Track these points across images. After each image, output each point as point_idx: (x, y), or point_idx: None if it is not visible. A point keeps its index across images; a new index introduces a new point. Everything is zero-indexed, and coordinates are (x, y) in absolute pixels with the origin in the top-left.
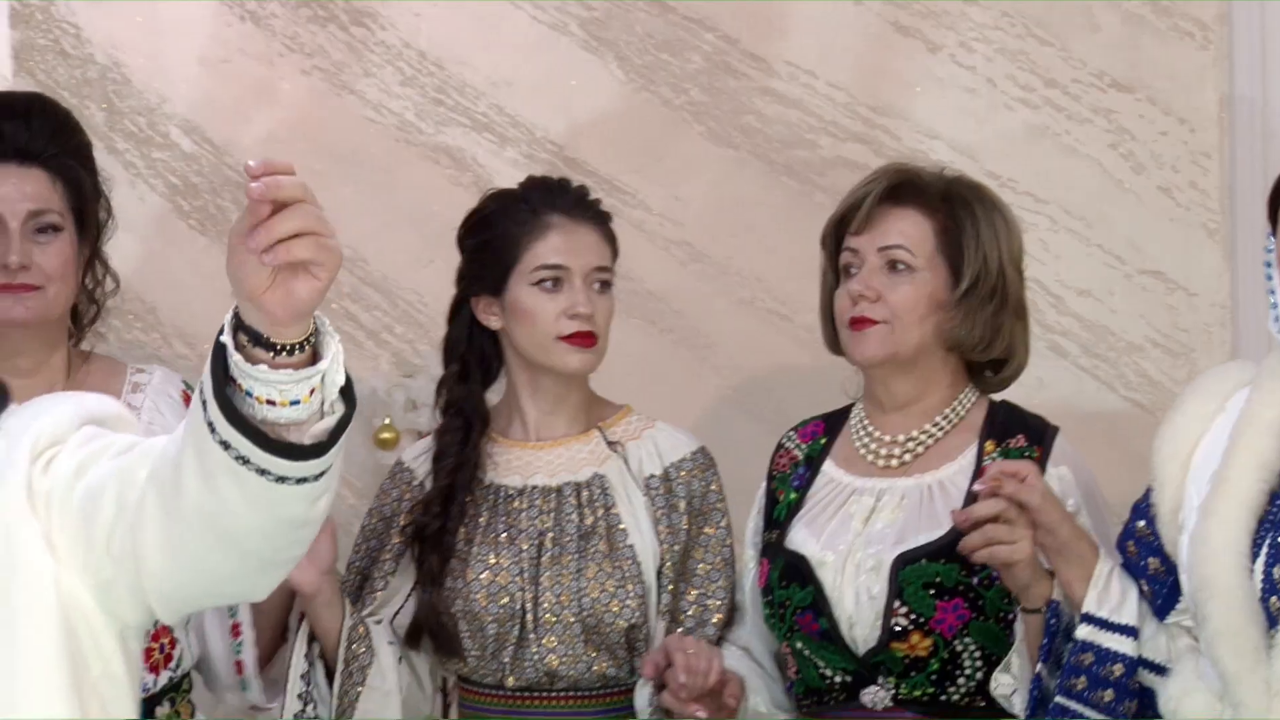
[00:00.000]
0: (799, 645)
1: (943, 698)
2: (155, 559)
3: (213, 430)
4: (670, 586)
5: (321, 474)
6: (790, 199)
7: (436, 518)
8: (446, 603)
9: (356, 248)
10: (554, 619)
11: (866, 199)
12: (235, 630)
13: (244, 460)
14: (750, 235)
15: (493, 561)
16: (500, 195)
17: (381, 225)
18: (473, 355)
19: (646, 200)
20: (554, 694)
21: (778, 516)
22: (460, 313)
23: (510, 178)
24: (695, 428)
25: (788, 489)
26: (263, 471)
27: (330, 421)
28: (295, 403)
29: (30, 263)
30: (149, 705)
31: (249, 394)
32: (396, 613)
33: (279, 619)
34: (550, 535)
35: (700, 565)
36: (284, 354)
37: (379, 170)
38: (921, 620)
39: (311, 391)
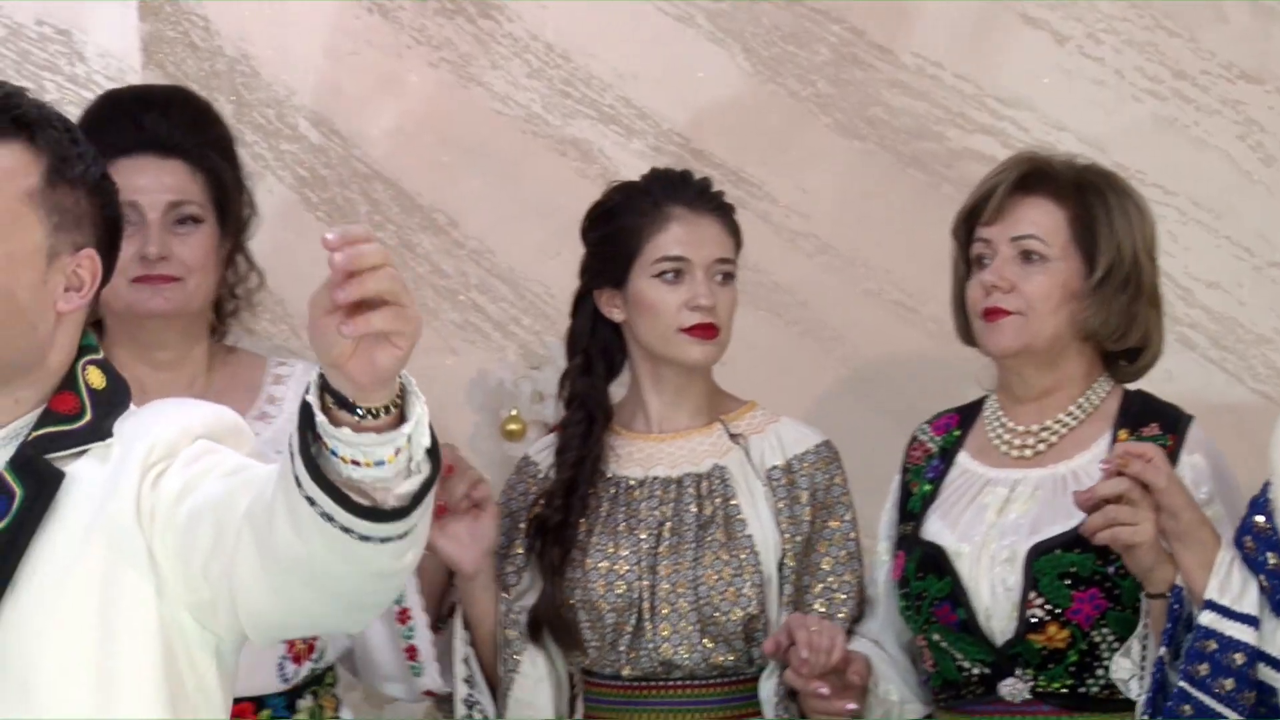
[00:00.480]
0: (936, 637)
1: (1081, 690)
2: (250, 592)
3: (299, 484)
4: (793, 579)
5: (406, 533)
6: (918, 190)
7: (558, 510)
8: (566, 594)
9: (483, 239)
10: (669, 608)
11: (998, 189)
12: (403, 616)
13: (328, 518)
14: (877, 227)
15: (611, 551)
16: (623, 188)
17: (508, 217)
18: (596, 348)
19: (773, 192)
20: (670, 683)
21: (912, 509)
22: (583, 305)
23: (637, 170)
24: (820, 419)
25: (921, 481)
26: (346, 530)
27: (415, 483)
28: (380, 463)
29: (169, 254)
30: (290, 697)
31: (334, 453)
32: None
33: (438, 602)
34: (668, 525)
35: (825, 559)
36: (369, 417)
37: (506, 162)
38: (1058, 611)
39: (397, 451)
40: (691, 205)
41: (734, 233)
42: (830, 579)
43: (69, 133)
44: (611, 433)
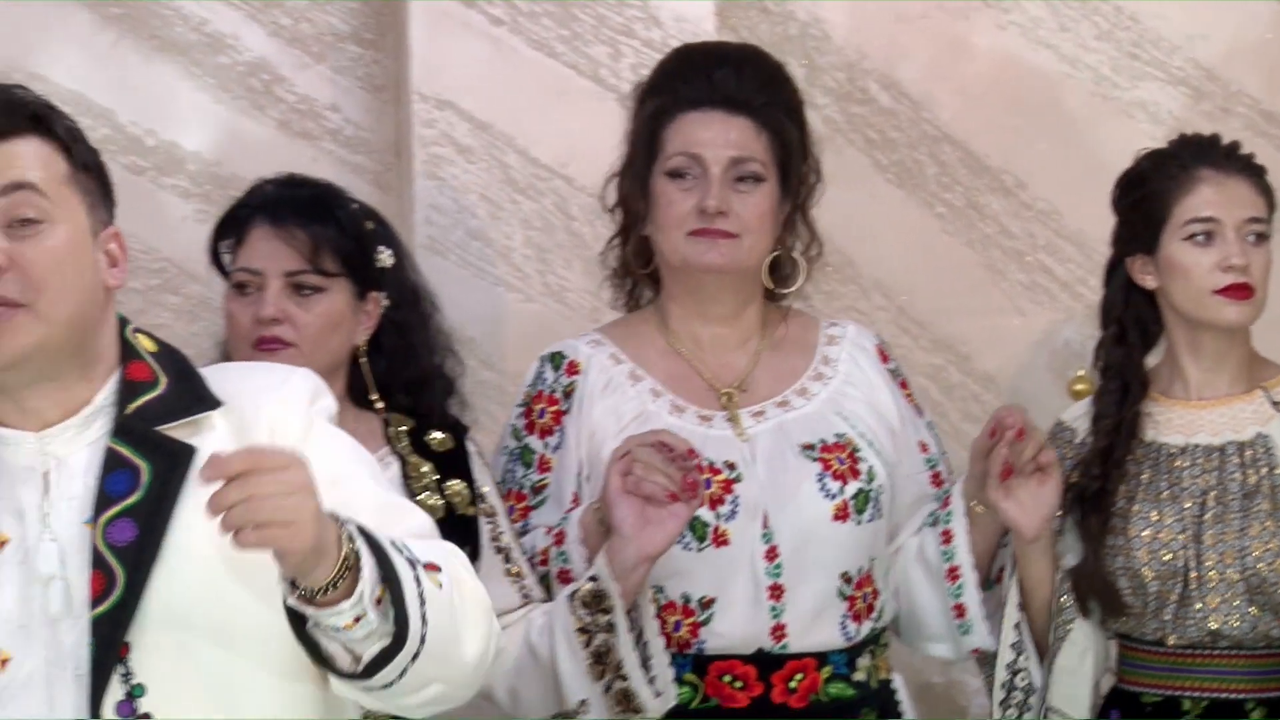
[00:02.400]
0: None
1: None
2: None
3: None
4: None
5: (390, 684)
6: None
7: (1095, 479)
8: (1107, 561)
9: (1051, 201)
10: (1217, 578)
11: None
12: (952, 574)
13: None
14: None
15: (1154, 519)
16: (1151, 154)
17: (1076, 179)
18: (1130, 317)
19: None
20: (1217, 652)
21: None
22: (1115, 275)
23: (1201, 131)
24: None
25: None
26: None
27: (375, 649)
28: (338, 629)
29: (728, 209)
30: (850, 655)
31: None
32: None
33: (989, 562)
34: (1213, 494)
35: None
36: (323, 593)
37: (1074, 125)
38: None
39: (356, 619)
40: (1220, 166)
41: (1265, 193)
42: None
43: (71, 121)
44: (1149, 399)
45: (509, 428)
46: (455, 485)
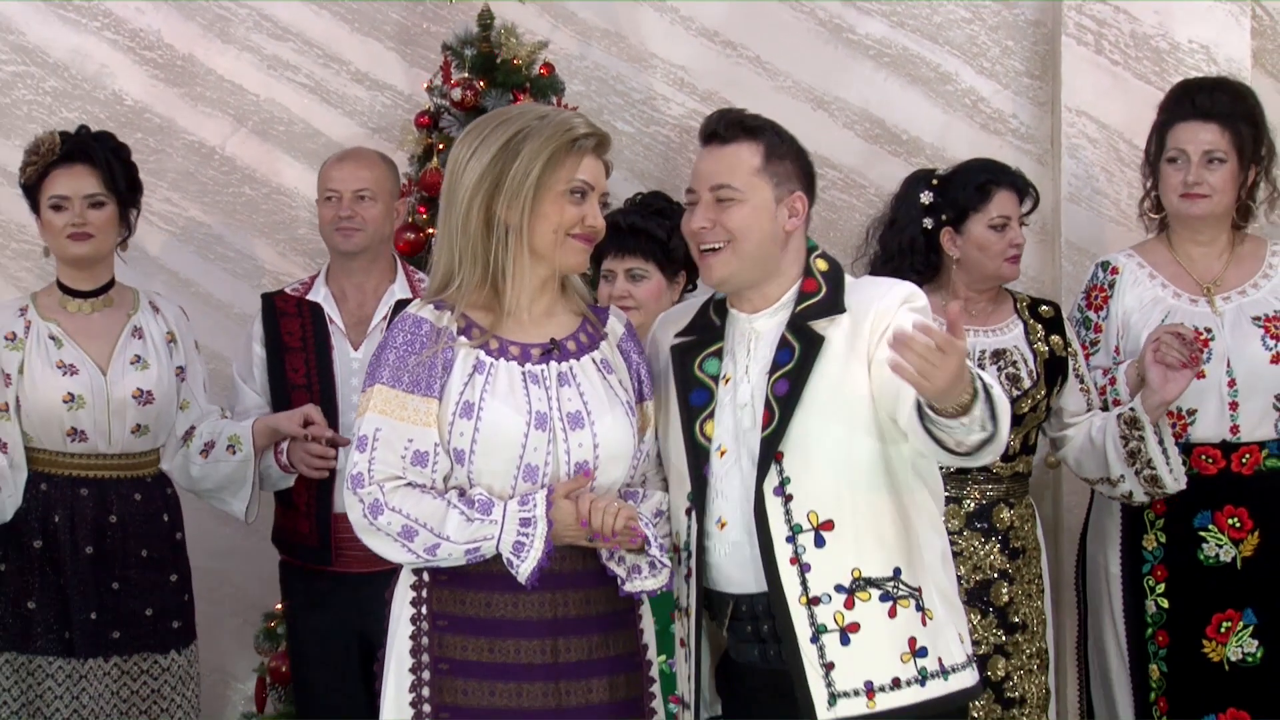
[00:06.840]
0: None
1: None
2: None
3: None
4: None
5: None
6: None
7: None
8: None
9: None
10: None
11: None
12: None
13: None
14: None
15: None
16: None
17: None
18: None
19: None
20: None
21: None
22: None
23: None
24: None
25: None
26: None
27: (981, 438)
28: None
29: (1202, 182)
30: None
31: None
32: None
33: None
34: None
35: None
36: (954, 414)
37: None
38: None
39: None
40: None
41: None
42: None
43: (776, 130)
44: None
45: (1076, 305)
46: (1055, 338)
